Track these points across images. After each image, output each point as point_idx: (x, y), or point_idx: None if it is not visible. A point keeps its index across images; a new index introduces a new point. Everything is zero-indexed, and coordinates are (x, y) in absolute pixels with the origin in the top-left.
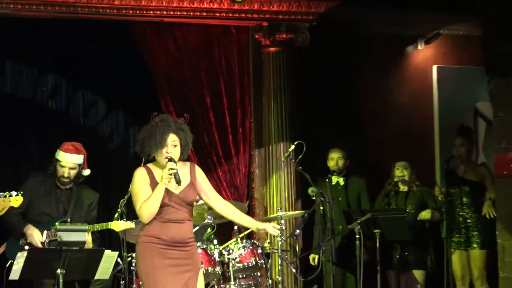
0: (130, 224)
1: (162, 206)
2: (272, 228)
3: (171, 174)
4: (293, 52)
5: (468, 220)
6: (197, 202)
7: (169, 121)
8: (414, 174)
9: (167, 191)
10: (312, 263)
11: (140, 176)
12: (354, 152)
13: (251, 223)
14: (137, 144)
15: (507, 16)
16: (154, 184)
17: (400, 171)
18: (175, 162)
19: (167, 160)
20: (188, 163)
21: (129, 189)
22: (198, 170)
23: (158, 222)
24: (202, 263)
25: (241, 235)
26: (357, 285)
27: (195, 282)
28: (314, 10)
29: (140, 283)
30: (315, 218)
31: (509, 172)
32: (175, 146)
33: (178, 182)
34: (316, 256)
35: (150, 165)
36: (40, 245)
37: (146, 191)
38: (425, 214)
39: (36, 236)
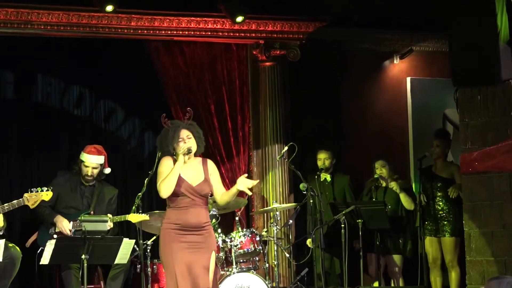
0: (144, 217)
1: (180, 195)
2: (242, 185)
3: (185, 148)
4: (286, 66)
5: (440, 212)
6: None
7: (178, 121)
8: (392, 170)
9: (186, 183)
10: (309, 245)
11: (166, 162)
12: (339, 153)
13: (233, 189)
14: (158, 148)
15: (469, 35)
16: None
17: (379, 169)
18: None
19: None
20: (201, 159)
21: (145, 183)
22: (211, 166)
23: (176, 210)
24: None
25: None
26: (343, 268)
27: (206, 258)
28: (303, 30)
29: (156, 266)
30: (307, 210)
31: (474, 169)
32: (189, 138)
33: (190, 151)
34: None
35: (174, 157)
36: (68, 232)
37: (167, 173)
38: (394, 186)
39: (65, 225)
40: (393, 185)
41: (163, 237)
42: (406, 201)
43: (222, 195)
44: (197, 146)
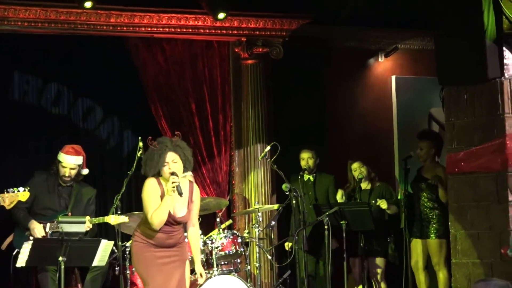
0: (123, 219)
1: None
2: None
3: (174, 187)
4: (268, 64)
5: (425, 213)
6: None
7: (166, 141)
8: (371, 171)
9: (169, 214)
10: (287, 248)
11: (151, 187)
12: (323, 152)
13: (196, 265)
14: (142, 168)
15: (455, 32)
16: (163, 195)
17: (358, 170)
18: (177, 175)
19: (170, 174)
20: (189, 184)
21: (124, 183)
22: (196, 195)
23: (153, 231)
24: (189, 252)
25: (222, 226)
26: (326, 270)
27: (182, 270)
28: (286, 27)
29: (133, 269)
30: (293, 209)
31: (460, 169)
32: (175, 162)
33: (180, 194)
34: (291, 243)
35: (160, 178)
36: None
37: (156, 201)
38: (382, 203)
39: (38, 231)
40: (381, 203)
41: (136, 249)
42: (391, 210)
43: (190, 230)
44: (184, 167)
